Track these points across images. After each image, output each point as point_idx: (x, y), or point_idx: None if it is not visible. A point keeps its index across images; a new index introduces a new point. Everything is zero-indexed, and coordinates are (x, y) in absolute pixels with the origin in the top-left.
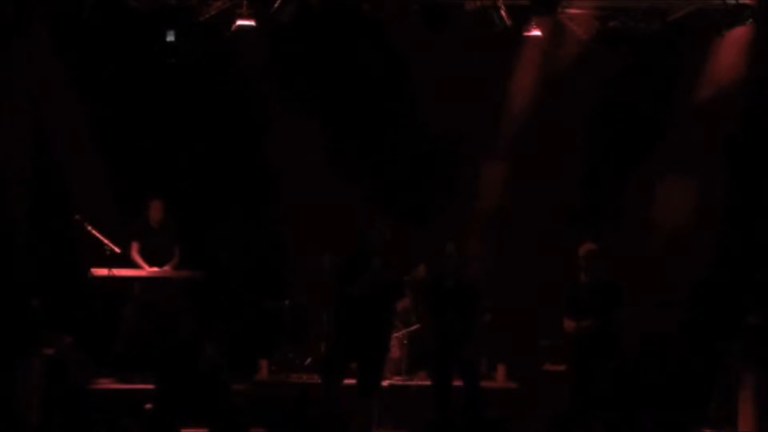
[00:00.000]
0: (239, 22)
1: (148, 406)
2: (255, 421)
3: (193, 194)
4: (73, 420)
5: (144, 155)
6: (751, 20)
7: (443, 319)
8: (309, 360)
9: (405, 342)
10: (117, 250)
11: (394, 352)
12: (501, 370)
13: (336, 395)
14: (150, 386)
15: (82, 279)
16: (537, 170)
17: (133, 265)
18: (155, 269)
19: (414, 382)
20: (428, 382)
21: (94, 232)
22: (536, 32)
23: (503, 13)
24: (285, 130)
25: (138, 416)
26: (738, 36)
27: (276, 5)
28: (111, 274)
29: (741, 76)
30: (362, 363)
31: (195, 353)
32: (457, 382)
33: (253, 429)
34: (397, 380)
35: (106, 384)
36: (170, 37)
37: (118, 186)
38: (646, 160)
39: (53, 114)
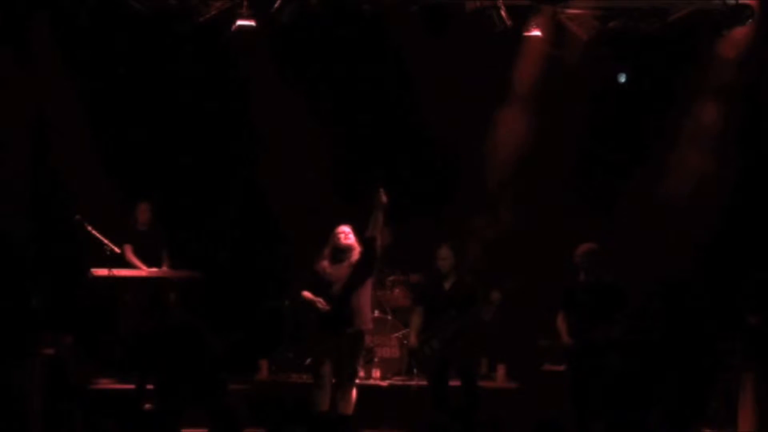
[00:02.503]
0: (239, 22)
1: (148, 406)
2: (255, 421)
3: (193, 194)
4: (73, 420)
5: (144, 155)
6: (751, 20)
7: (440, 320)
8: (309, 360)
9: (405, 342)
10: (117, 250)
11: (394, 352)
12: (501, 370)
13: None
14: (149, 386)
15: (82, 279)
16: (537, 170)
17: (131, 267)
18: (154, 269)
19: (414, 382)
20: (428, 382)
21: (94, 232)
22: (536, 32)
23: (503, 13)
24: (285, 130)
25: (138, 416)
26: (738, 36)
27: (276, 5)
28: (111, 274)
29: (741, 76)
30: (339, 345)
31: (192, 352)
32: (456, 382)
33: (253, 429)
34: (397, 380)
35: (106, 384)
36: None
37: (118, 186)
38: (646, 160)
39: (53, 114)
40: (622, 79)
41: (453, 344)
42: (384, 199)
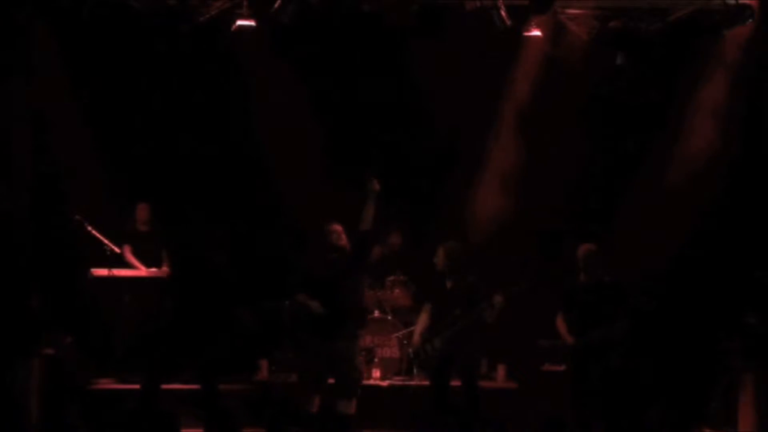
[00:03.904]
0: (239, 22)
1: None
2: (254, 421)
3: (192, 194)
4: (73, 420)
5: (144, 155)
6: (751, 20)
7: (443, 320)
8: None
9: (405, 342)
10: (117, 250)
11: (394, 352)
12: (501, 370)
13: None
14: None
15: (82, 279)
16: (536, 170)
17: (131, 267)
18: (153, 270)
19: (414, 382)
20: (428, 382)
21: (94, 232)
22: (536, 32)
23: (503, 13)
24: (285, 130)
25: (138, 416)
26: (738, 36)
27: (276, 5)
28: (111, 274)
29: (741, 76)
30: (333, 347)
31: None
32: (456, 382)
33: (253, 429)
34: (397, 380)
35: (106, 384)
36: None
37: (117, 186)
38: (646, 160)
39: (53, 114)
40: (620, 60)
41: (454, 344)
42: (377, 187)
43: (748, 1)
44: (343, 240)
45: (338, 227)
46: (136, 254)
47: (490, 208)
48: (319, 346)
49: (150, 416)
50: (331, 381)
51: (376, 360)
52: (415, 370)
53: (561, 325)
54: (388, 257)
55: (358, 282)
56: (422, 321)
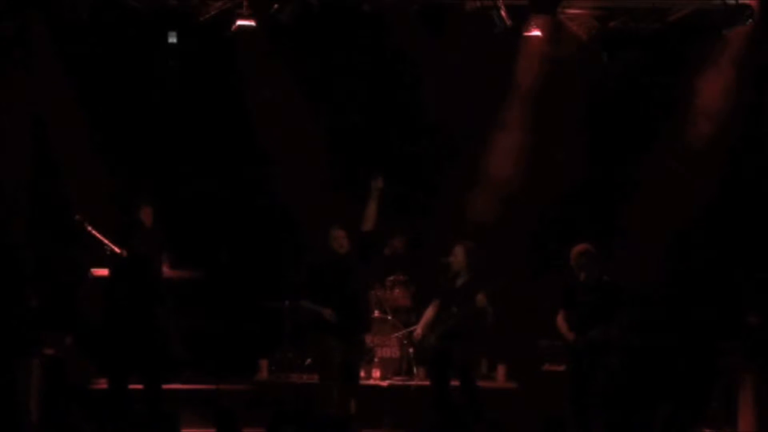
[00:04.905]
0: (239, 22)
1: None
2: (255, 422)
3: (193, 194)
4: (73, 420)
5: (144, 155)
6: (751, 20)
7: (443, 315)
8: (309, 360)
9: (405, 342)
10: (117, 250)
11: (394, 352)
12: (501, 370)
13: (338, 396)
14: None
15: (82, 279)
16: (536, 170)
17: None
18: None
19: (414, 382)
20: (428, 382)
21: (94, 232)
22: (536, 32)
23: (503, 13)
24: (285, 130)
25: (137, 417)
26: (738, 36)
27: (276, 5)
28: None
29: (741, 76)
30: (345, 350)
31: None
32: (456, 382)
33: (253, 429)
34: (397, 380)
35: (106, 384)
36: (172, 39)
37: (118, 186)
38: (645, 160)
39: (53, 114)
40: (605, 58)
41: (451, 341)
42: (380, 184)
43: (748, 1)
44: (345, 245)
45: (341, 232)
46: None
47: (489, 208)
48: (336, 347)
49: (150, 416)
50: None
51: (376, 360)
52: (414, 370)
53: (561, 323)
54: (390, 259)
55: (366, 284)
56: (427, 315)
